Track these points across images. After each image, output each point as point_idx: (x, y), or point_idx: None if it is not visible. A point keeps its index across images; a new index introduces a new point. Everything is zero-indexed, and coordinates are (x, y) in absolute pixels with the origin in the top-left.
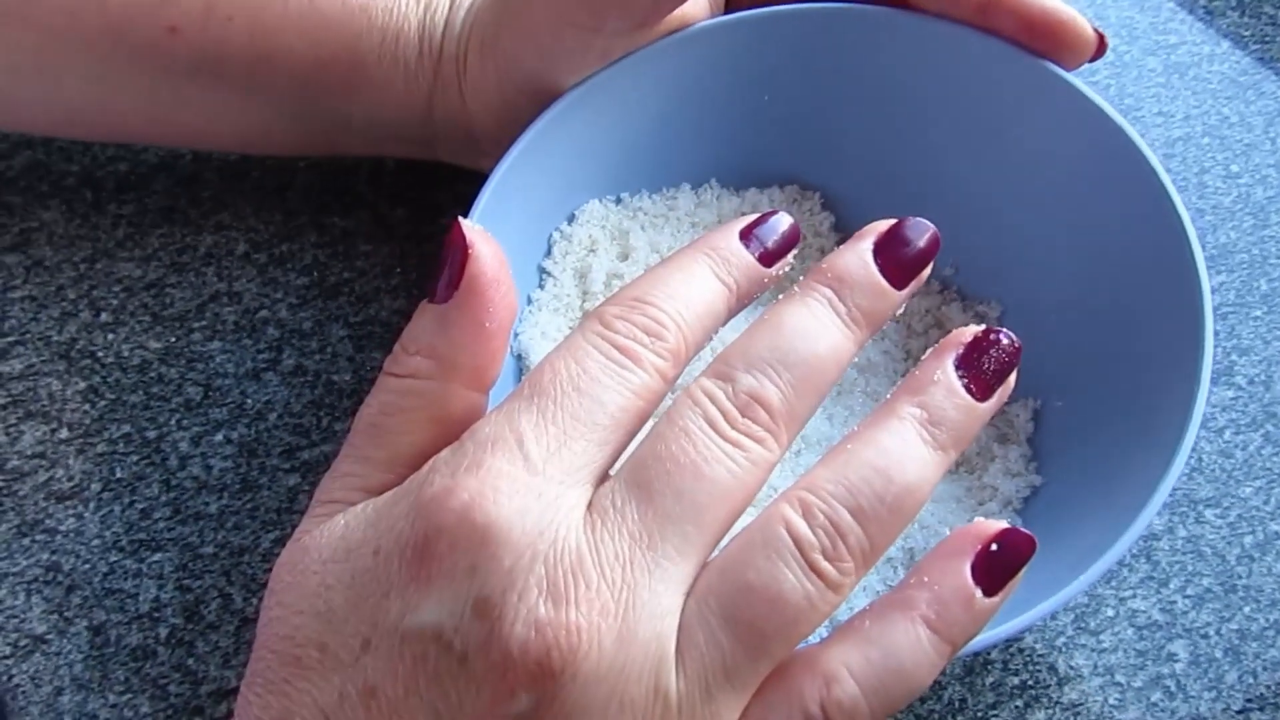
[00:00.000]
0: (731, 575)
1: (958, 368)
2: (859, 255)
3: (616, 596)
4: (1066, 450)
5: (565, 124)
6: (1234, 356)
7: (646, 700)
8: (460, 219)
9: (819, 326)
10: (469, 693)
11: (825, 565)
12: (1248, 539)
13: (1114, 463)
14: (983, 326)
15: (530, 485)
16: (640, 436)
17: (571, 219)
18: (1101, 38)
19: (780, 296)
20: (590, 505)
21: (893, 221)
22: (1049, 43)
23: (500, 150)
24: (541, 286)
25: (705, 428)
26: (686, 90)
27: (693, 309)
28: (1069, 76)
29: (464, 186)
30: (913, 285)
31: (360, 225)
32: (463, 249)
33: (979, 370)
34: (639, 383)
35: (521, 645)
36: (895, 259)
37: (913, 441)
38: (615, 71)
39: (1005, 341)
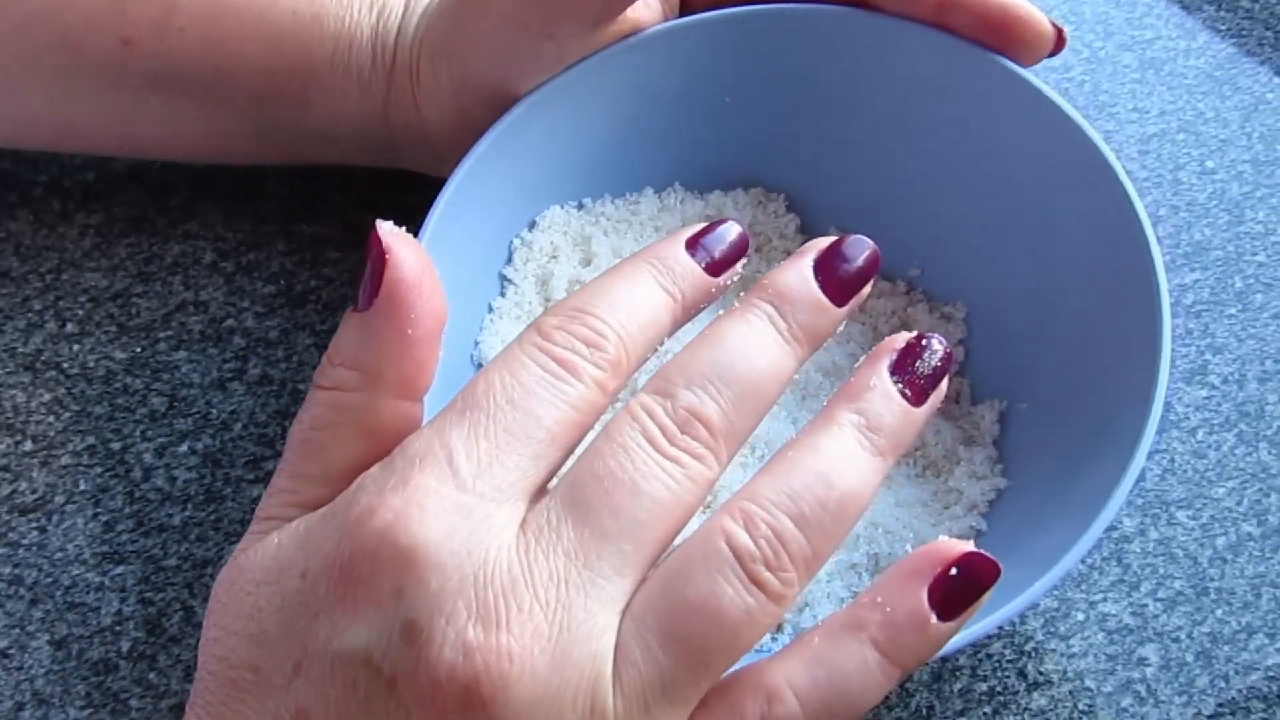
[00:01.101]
0: (670, 592)
1: (892, 374)
2: (800, 272)
3: (550, 617)
4: (1032, 452)
5: (523, 130)
6: (1207, 355)
7: None
8: (379, 223)
9: (760, 343)
10: (400, 717)
11: (767, 576)
12: (1220, 540)
13: (1078, 463)
14: (914, 333)
15: (459, 503)
16: (579, 451)
17: (533, 225)
18: (1060, 32)
19: (721, 312)
20: (524, 523)
21: (833, 239)
22: (1006, 39)
23: (460, 157)
24: (503, 294)
25: (644, 444)
26: (647, 93)
27: (635, 319)
28: (1029, 75)
29: (433, 191)
30: (853, 302)
31: (329, 232)
32: (380, 255)
33: (913, 375)
34: (576, 395)
35: (449, 670)
36: (836, 277)
37: (852, 447)
38: (574, 75)
39: (937, 347)
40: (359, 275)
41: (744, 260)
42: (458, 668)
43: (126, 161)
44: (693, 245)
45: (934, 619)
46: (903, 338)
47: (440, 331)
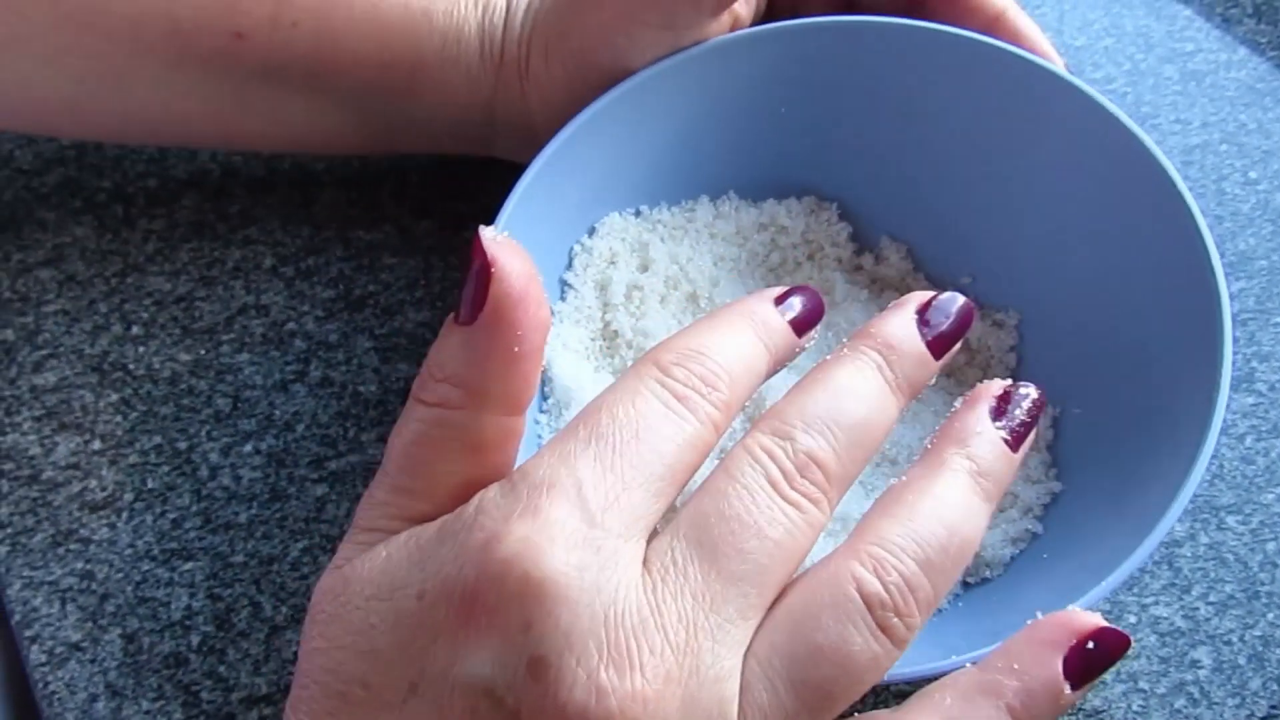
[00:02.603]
0: (799, 637)
1: (994, 419)
2: (906, 324)
3: (680, 661)
4: (1086, 457)
5: (586, 139)
6: (1254, 363)
7: None
8: (482, 230)
9: (870, 389)
10: None
11: (895, 622)
12: (1270, 545)
13: (1134, 469)
14: (1009, 381)
15: (588, 538)
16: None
17: (592, 232)
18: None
19: (829, 357)
20: (647, 561)
21: (932, 294)
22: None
23: None
24: (563, 298)
25: (766, 487)
26: (704, 103)
27: (741, 365)
28: (1082, 85)
29: (488, 199)
30: (948, 356)
31: (385, 238)
32: (485, 266)
33: (1012, 422)
34: (693, 433)
35: (581, 711)
36: (937, 330)
37: (968, 493)
38: (634, 87)
39: (1033, 394)
40: (461, 282)
41: (819, 325)
42: (590, 710)
43: (187, 168)
44: (779, 303)
45: (1067, 689)
46: (999, 385)
47: (544, 343)
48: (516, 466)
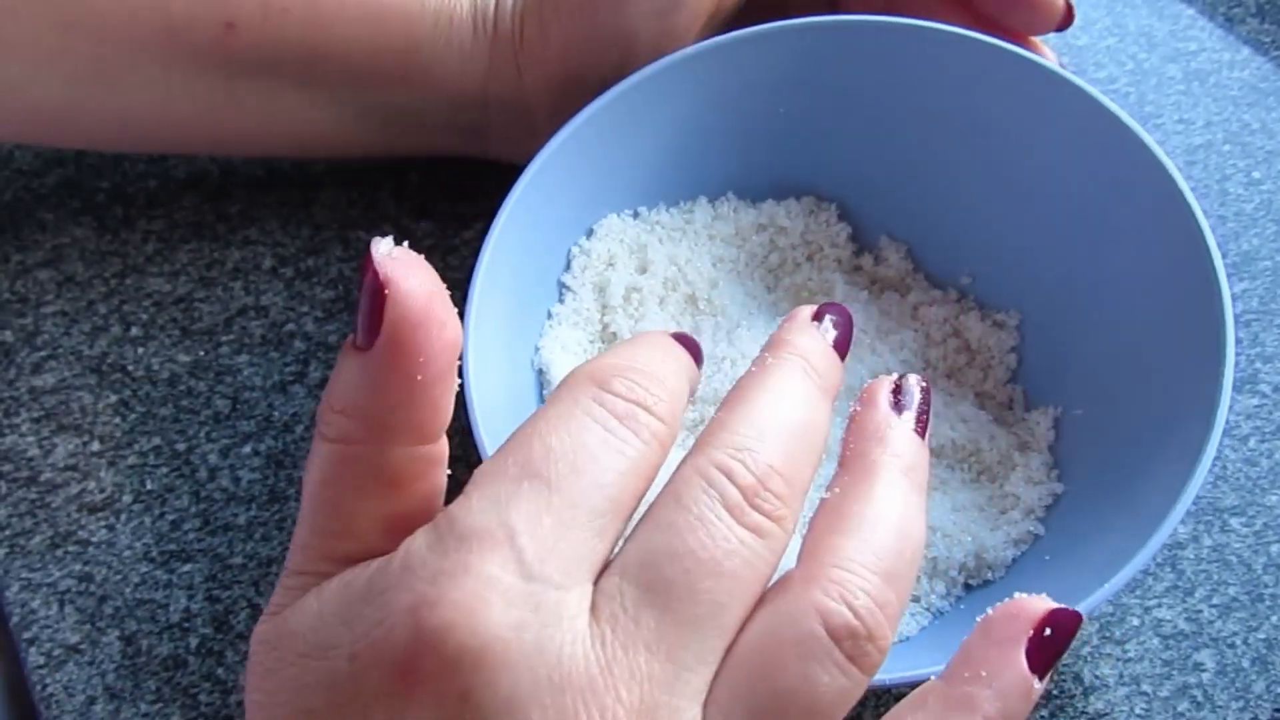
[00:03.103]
0: (763, 681)
1: (897, 410)
2: (810, 331)
3: None
4: (1088, 458)
5: (583, 141)
6: (1258, 364)
7: None
8: (374, 243)
9: (807, 393)
10: None
11: (868, 649)
12: (1274, 547)
13: (1136, 470)
14: (894, 375)
15: (527, 594)
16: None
17: (590, 234)
18: (1070, 8)
19: (752, 368)
20: (594, 608)
21: (813, 306)
22: (1019, 4)
23: (555, 129)
24: (561, 301)
25: (723, 515)
26: (702, 105)
27: (675, 376)
28: (1085, 84)
29: (487, 200)
30: (847, 360)
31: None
32: (378, 288)
33: (913, 410)
34: (638, 456)
35: None
36: (834, 336)
37: (906, 490)
38: (630, 88)
39: (917, 380)
40: (355, 301)
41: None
42: None
43: (186, 169)
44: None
45: (1035, 682)
46: (887, 380)
47: (455, 364)
48: (446, 507)
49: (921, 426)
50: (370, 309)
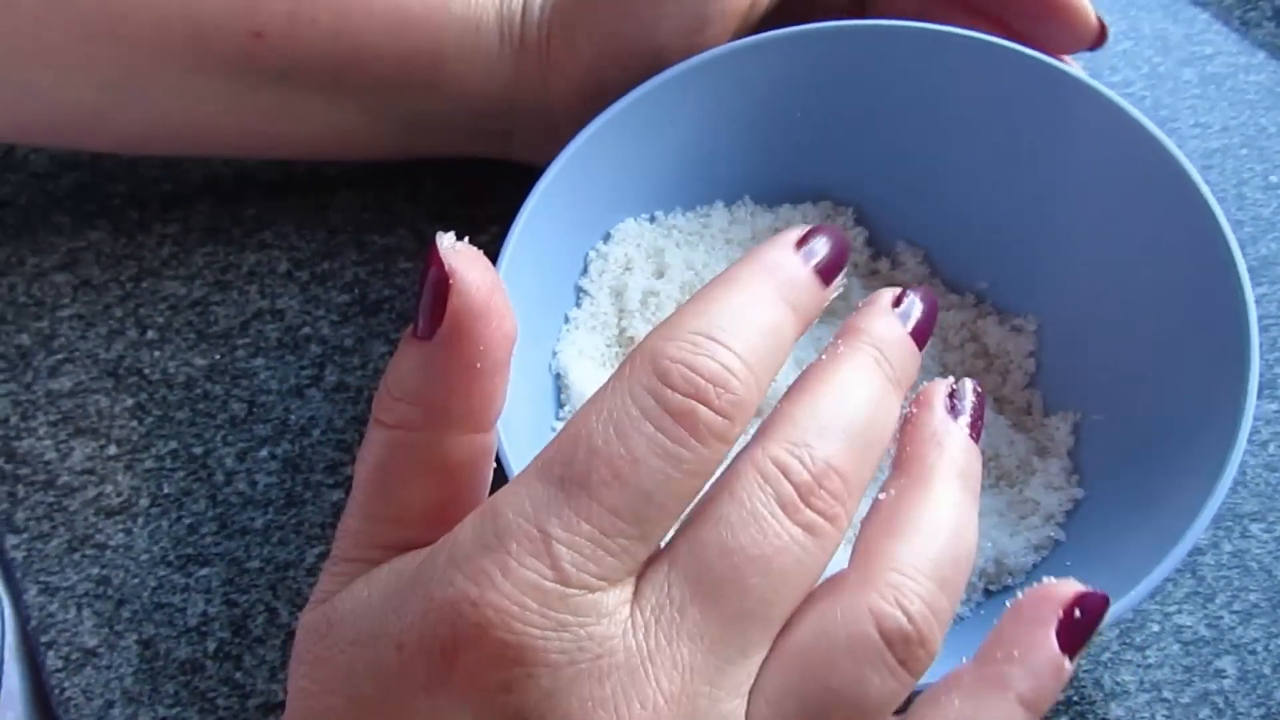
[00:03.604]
0: (813, 679)
1: (953, 415)
2: (890, 318)
3: (676, 712)
4: (1108, 464)
5: (600, 145)
6: (1277, 369)
7: None
8: (439, 237)
9: (876, 387)
10: None
11: (919, 654)
12: None
13: (1158, 477)
14: (950, 379)
15: (564, 597)
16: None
17: (607, 238)
18: (1103, 27)
19: (823, 355)
20: (638, 596)
21: (898, 289)
22: (1050, 18)
23: None
24: (579, 305)
25: (777, 511)
26: (719, 109)
27: (765, 341)
28: (1103, 88)
29: (503, 203)
30: (925, 348)
31: (400, 242)
32: (442, 280)
33: (967, 416)
34: (694, 461)
35: None
36: (913, 323)
37: (962, 496)
38: (648, 92)
39: (972, 387)
40: (417, 292)
41: (845, 270)
42: None
43: (202, 172)
44: (800, 247)
45: (1066, 663)
46: (944, 383)
47: (509, 357)
48: (492, 494)
49: (976, 431)
50: (434, 299)
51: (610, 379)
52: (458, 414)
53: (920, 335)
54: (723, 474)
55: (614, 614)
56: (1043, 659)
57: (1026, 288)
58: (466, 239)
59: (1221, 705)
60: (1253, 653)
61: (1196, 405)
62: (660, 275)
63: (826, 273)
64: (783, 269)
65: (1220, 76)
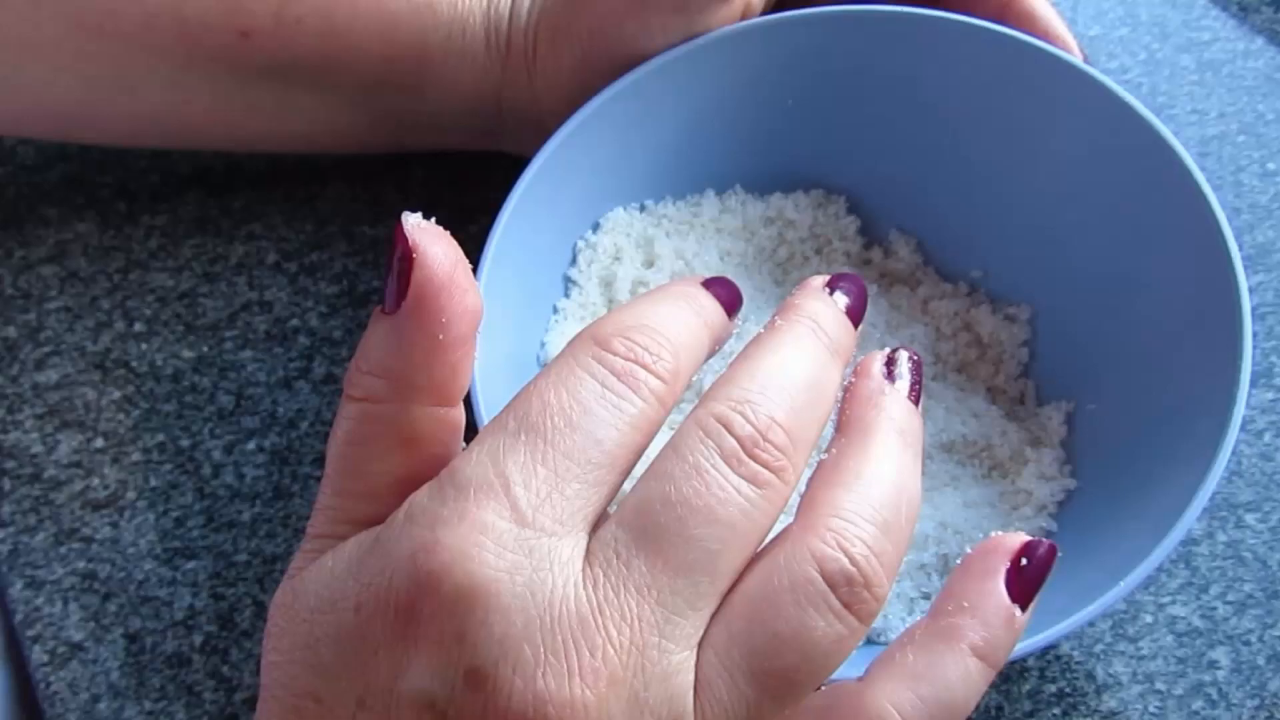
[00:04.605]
0: (757, 626)
1: (890, 380)
2: (823, 297)
3: (625, 661)
4: (1101, 454)
5: (589, 133)
6: (1273, 358)
7: None
8: (405, 216)
9: (815, 352)
10: None
11: (864, 596)
12: None
13: (1151, 467)
14: (890, 350)
15: (520, 539)
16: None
17: (596, 227)
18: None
19: (761, 331)
20: (589, 554)
21: (828, 275)
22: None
23: None
24: (567, 295)
25: (719, 464)
26: (709, 96)
27: (686, 335)
28: (1099, 75)
29: (492, 193)
30: (860, 327)
31: (389, 233)
32: (407, 254)
33: (905, 379)
34: (637, 414)
35: None
36: (846, 302)
37: (902, 449)
38: (638, 80)
39: (907, 353)
40: (385, 272)
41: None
42: (529, 718)
43: (190, 163)
44: (709, 286)
45: (1017, 612)
46: (882, 354)
47: (475, 332)
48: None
49: (915, 395)
50: (399, 274)
51: (554, 359)
52: (423, 385)
53: (853, 315)
54: (669, 438)
55: (567, 565)
56: (993, 608)
57: (1020, 277)
58: (434, 219)
59: (1215, 697)
60: (1247, 644)
61: (1190, 394)
62: (650, 265)
63: (727, 302)
64: (700, 294)
65: (1218, 63)
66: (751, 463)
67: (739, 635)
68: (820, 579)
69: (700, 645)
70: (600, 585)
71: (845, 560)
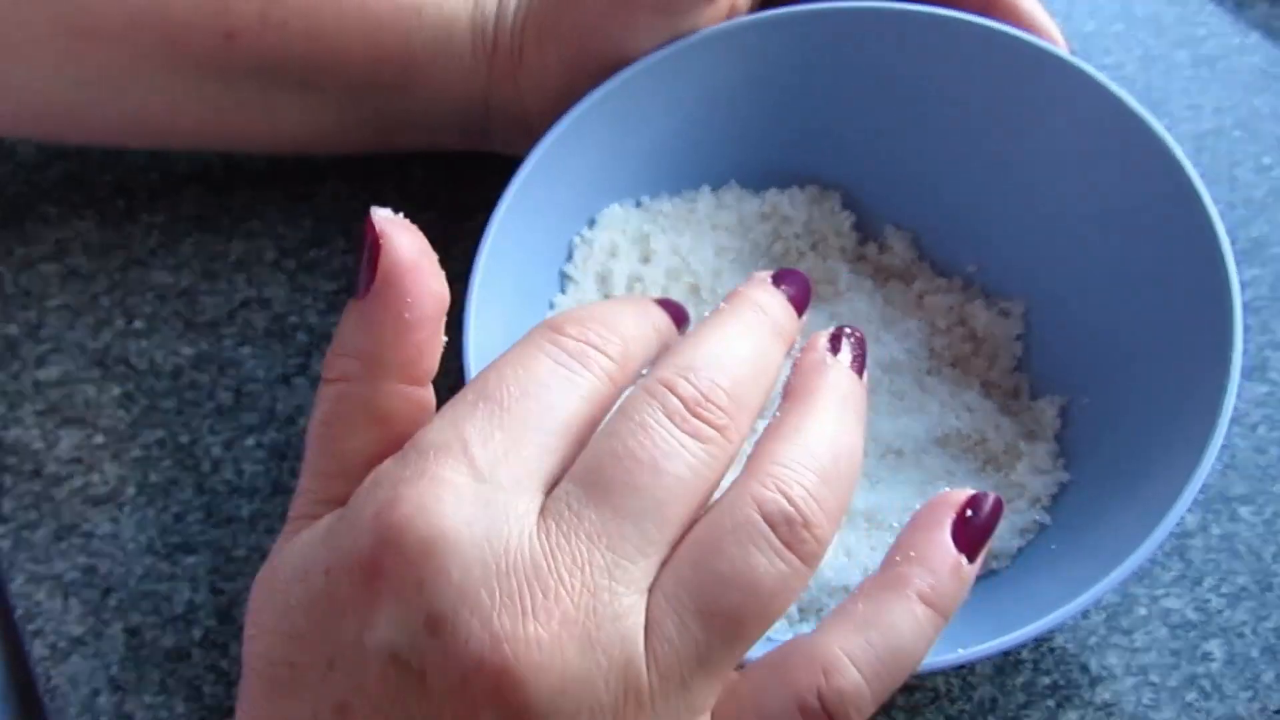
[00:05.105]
0: (702, 566)
1: (834, 353)
2: (767, 286)
3: (577, 602)
4: (1095, 447)
5: (584, 129)
6: (1268, 352)
7: (617, 702)
8: (373, 209)
9: (758, 331)
10: (433, 710)
11: (805, 536)
12: None
13: (1143, 459)
14: (831, 329)
15: (477, 493)
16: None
17: (592, 223)
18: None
19: (707, 315)
20: (543, 510)
21: (771, 271)
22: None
23: None
24: (564, 291)
25: (663, 420)
26: (705, 92)
27: (635, 331)
28: (1092, 70)
29: (489, 190)
30: (805, 314)
31: None
32: (374, 242)
33: (848, 353)
34: (587, 387)
35: (477, 661)
36: (790, 293)
37: (842, 409)
38: (633, 76)
39: (851, 330)
40: (356, 265)
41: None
42: (485, 659)
43: (189, 162)
44: (659, 302)
45: (964, 562)
46: (826, 331)
47: (441, 315)
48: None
49: (857, 367)
50: (369, 261)
51: (513, 345)
52: (392, 363)
53: (796, 303)
54: (618, 403)
55: (523, 517)
56: (939, 557)
57: (1014, 271)
58: (402, 214)
59: (1209, 688)
60: (1240, 636)
61: (1182, 388)
62: (646, 260)
63: (675, 315)
64: (645, 305)
65: (1213, 58)
66: (694, 419)
67: (686, 578)
68: (761, 520)
69: (650, 590)
70: (553, 534)
71: (784, 501)
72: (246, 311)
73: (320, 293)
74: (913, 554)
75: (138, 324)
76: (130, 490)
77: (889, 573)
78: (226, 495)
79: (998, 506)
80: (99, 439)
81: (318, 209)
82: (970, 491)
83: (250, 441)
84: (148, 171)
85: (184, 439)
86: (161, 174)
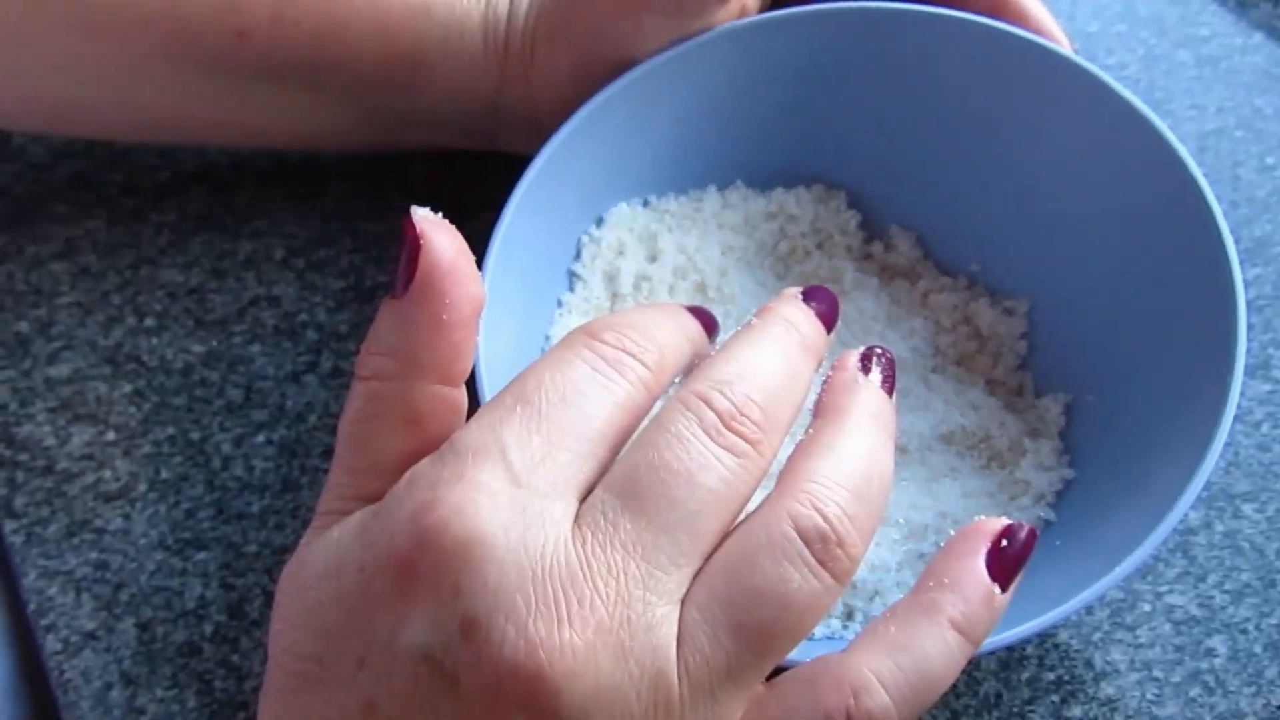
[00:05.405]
0: (736, 580)
1: (863, 370)
2: (798, 303)
3: (611, 612)
4: (1099, 444)
5: (592, 129)
6: (1270, 350)
7: (647, 712)
8: (413, 209)
9: (788, 347)
10: (463, 713)
11: (837, 554)
12: None
13: (1147, 457)
14: (862, 347)
15: (514, 498)
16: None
17: (600, 222)
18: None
19: (738, 329)
20: (578, 517)
21: (801, 288)
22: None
23: None
24: (572, 290)
25: (699, 433)
26: (711, 92)
27: (672, 340)
28: (1096, 70)
29: (495, 189)
30: (834, 331)
31: (394, 229)
32: (414, 242)
33: (879, 373)
34: (624, 395)
35: (511, 667)
36: (820, 310)
37: (874, 428)
38: (639, 76)
39: (881, 350)
40: (394, 262)
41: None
42: (520, 665)
43: (197, 161)
44: (695, 312)
45: (997, 591)
46: (856, 352)
47: (477, 317)
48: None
49: (888, 387)
50: (408, 260)
51: (549, 349)
52: (427, 363)
53: (825, 320)
54: (654, 414)
55: (558, 523)
56: (972, 584)
57: (1018, 270)
58: (441, 213)
59: (1212, 684)
60: (1244, 632)
61: (1186, 386)
62: (653, 259)
63: (706, 323)
64: (683, 312)
65: (1216, 58)
66: (729, 434)
67: (719, 591)
68: (796, 536)
69: (683, 601)
70: (588, 542)
71: (819, 518)
72: (256, 309)
73: (329, 290)
74: (946, 580)
75: (148, 321)
76: (141, 487)
77: (922, 597)
78: (237, 492)
79: (1031, 537)
80: (110, 436)
81: (325, 208)
82: (1005, 521)
83: (260, 438)
84: (157, 171)
85: (194, 436)
86: (170, 173)
